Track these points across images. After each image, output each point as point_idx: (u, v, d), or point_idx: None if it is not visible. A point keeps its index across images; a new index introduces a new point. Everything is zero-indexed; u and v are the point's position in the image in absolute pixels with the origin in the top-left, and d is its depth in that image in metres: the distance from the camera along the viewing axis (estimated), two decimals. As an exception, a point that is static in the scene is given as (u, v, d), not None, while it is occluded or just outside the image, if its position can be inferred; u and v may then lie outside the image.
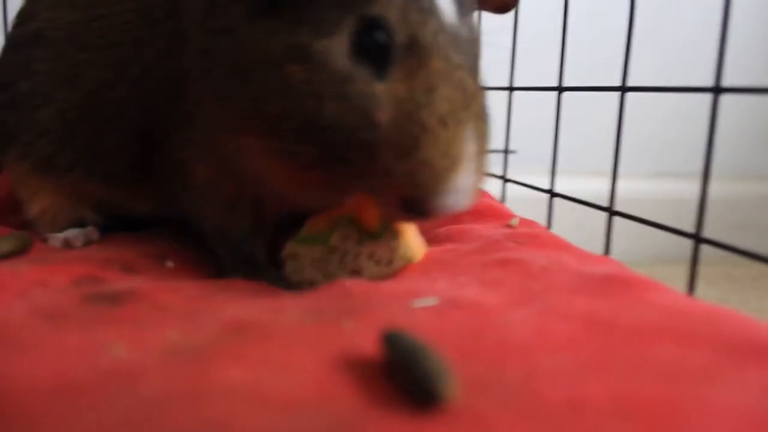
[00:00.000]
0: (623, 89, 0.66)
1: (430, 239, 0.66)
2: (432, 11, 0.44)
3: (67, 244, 0.62)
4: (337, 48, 0.44)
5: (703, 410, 0.29)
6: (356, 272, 0.52)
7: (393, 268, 0.52)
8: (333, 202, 0.52)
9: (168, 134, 0.57)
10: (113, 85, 0.58)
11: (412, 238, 0.54)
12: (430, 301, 0.43)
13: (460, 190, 0.44)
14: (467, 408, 0.30)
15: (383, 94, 0.44)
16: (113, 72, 0.58)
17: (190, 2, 0.53)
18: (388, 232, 0.52)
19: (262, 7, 0.47)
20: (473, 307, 0.42)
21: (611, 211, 0.68)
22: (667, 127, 1.48)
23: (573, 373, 0.33)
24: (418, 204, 0.44)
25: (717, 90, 0.53)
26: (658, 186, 1.45)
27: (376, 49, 0.44)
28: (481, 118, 0.46)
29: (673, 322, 0.39)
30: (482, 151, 0.46)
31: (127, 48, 0.57)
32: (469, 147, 0.44)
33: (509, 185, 0.98)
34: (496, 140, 1.05)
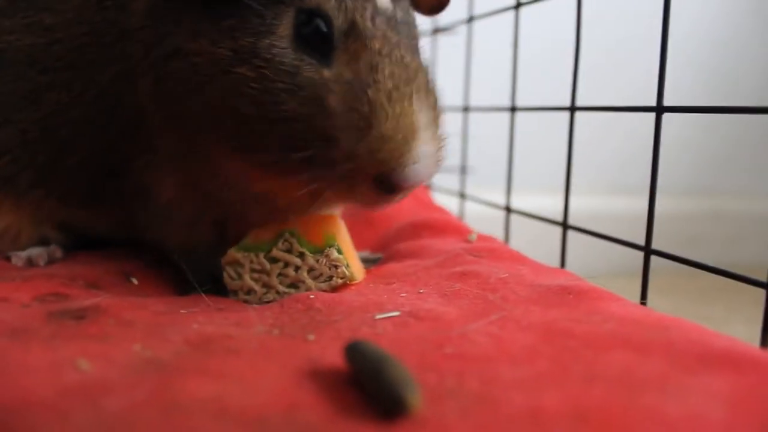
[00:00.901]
0: (572, 109, 0.69)
1: (392, 255, 0.67)
2: None
3: (30, 263, 0.62)
4: (280, 43, 0.46)
5: (655, 417, 0.30)
6: (295, 286, 0.53)
7: (332, 284, 0.53)
8: (305, 207, 0.53)
9: (127, 159, 0.57)
10: (71, 108, 0.58)
11: (353, 258, 0.56)
12: (392, 314, 0.44)
13: (422, 157, 0.46)
14: (430, 417, 0.30)
15: (331, 79, 0.46)
16: (71, 94, 0.58)
17: (136, 36, 0.53)
18: (330, 250, 0.53)
19: (201, 20, 0.48)
20: (434, 319, 0.43)
21: (565, 226, 0.70)
22: (622, 146, 1.52)
23: (531, 381, 0.34)
24: (387, 181, 0.46)
25: (659, 109, 0.55)
26: (612, 203, 1.49)
27: (317, 38, 0.46)
28: (427, 90, 0.48)
29: (627, 331, 0.40)
30: (436, 120, 0.48)
31: (84, 71, 0.58)
32: (421, 117, 0.46)
33: (467, 203, 1.00)
34: (453, 158, 1.07)
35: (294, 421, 0.30)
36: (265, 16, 0.46)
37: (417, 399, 0.30)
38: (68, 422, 0.30)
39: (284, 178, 0.48)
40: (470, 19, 0.96)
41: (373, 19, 0.47)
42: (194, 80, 0.48)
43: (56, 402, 0.31)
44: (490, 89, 1.00)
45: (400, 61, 0.47)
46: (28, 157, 0.61)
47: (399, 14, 0.49)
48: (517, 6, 0.81)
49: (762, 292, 0.47)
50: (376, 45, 0.47)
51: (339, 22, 0.47)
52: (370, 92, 0.45)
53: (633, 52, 1.42)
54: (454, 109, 1.01)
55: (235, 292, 0.54)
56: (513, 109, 0.82)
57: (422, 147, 0.46)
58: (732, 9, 1.58)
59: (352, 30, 0.47)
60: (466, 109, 0.98)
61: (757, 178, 1.65)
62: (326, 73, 0.46)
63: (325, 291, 0.52)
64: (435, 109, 0.49)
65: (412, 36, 0.51)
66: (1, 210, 0.64)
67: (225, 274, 0.54)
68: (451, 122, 1.08)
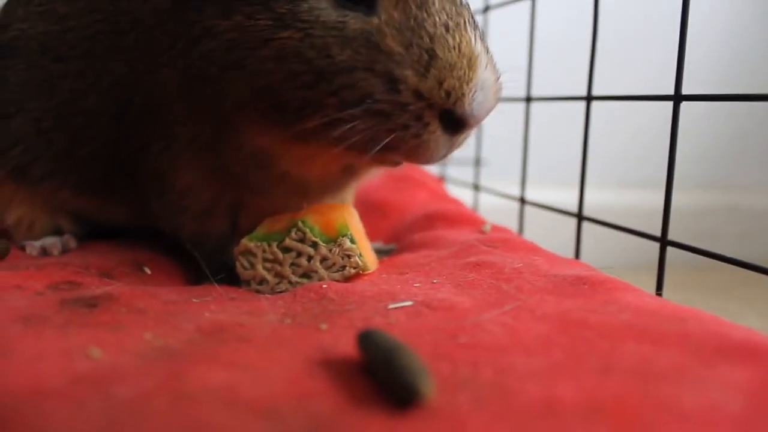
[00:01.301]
0: (588, 98, 0.68)
1: (406, 246, 0.67)
2: None
3: (45, 252, 0.62)
4: (319, 4, 0.46)
5: (671, 408, 0.30)
6: (307, 275, 0.53)
7: (344, 274, 0.53)
8: (335, 182, 0.54)
9: (143, 145, 0.57)
10: (86, 95, 0.58)
11: (366, 248, 0.55)
12: (405, 303, 0.43)
13: (486, 84, 0.46)
14: (443, 406, 0.30)
15: (381, 25, 0.45)
16: (86, 82, 0.58)
17: (159, 28, 0.53)
18: (342, 239, 0.53)
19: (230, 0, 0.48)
20: (447, 309, 0.42)
21: (580, 217, 0.69)
22: (636, 139, 1.50)
23: (545, 372, 0.34)
24: (455, 114, 0.46)
25: (678, 98, 0.54)
26: (626, 196, 1.48)
27: None
28: (474, 22, 0.49)
29: (643, 322, 0.39)
30: (488, 49, 0.49)
31: (98, 59, 0.57)
32: (478, 45, 0.47)
33: (481, 197, 0.99)
34: (468, 150, 1.07)
35: (305, 410, 0.30)
36: None
37: (430, 388, 0.30)
38: (79, 409, 0.30)
39: (336, 142, 0.47)
40: (486, 9, 0.95)
41: None
42: (231, 57, 0.48)
43: (67, 389, 0.31)
44: (505, 81, 0.99)
45: None
46: (42, 146, 0.61)
47: None
48: (533, -5, 0.80)
49: (777, 286, 0.47)
50: None
51: None
52: (427, 25, 0.45)
53: (648, 42, 1.41)
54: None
55: (247, 282, 0.54)
56: (528, 99, 0.81)
57: (485, 73, 0.46)
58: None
59: None
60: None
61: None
62: (375, 20, 0.46)
63: (337, 281, 0.52)
64: (484, 40, 0.49)
65: None
66: (15, 200, 0.64)
67: (238, 264, 0.54)
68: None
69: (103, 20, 0.57)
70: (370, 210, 0.77)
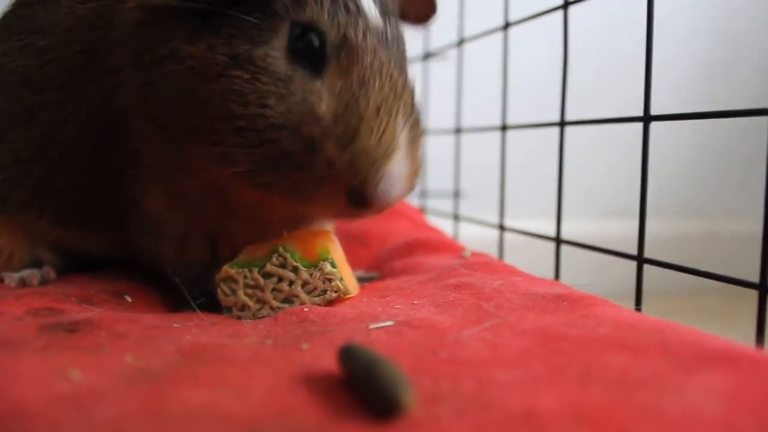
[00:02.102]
0: (562, 124, 0.69)
1: (387, 273, 0.67)
2: (358, 13, 0.49)
3: (24, 284, 0.61)
4: (275, 53, 0.47)
5: (652, 414, 0.30)
6: (289, 300, 0.53)
7: (326, 298, 0.53)
8: (290, 221, 0.55)
9: (117, 172, 0.57)
10: (64, 125, 0.59)
11: (347, 272, 0.56)
12: (386, 323, 0.44)
13: (396, 175, 0.47)
14: (424, 417, 0.30)
15: (322, 90, 0.47)
16: (64, 113, 0.59)
17: (121, 41, 0.54)
18: (323, 264, 0.53)
19: (197, 27, 0.49)
20: (428, 327, 0.43)
21: (558, 240, 0.70)
22: (614, 171, 1.53)
23: (526, 383, 0.34)
24: (359, 194, 0.47)
25: (647, 119, 0.56)
26: (605, 226, 1.49)
27: (310, 51, 0.48)
28: (412, 109, 0.50)
29: (622, 334, 0.40)
30: (416, 140, 0.50)
31: (77, 89, 0.58)
32: (402, 135, 0.48)
33: (461, 229, 1.00)
34: (447, 182, 1.08)
35: (287, 423, 0.30)
36: (261, 27, 0.48)
37: (411, 398, 0.30)
38: (58, 430, 0.29)
39: (264, 189, 0.49)
40: (461, 42, 0.97)
41: (364, 34, 0.48)
42: (188, 83, 0.49)
43: (46, 410, 0.31)
44: (481, 113, 1.01)
45: (389, 77, 0.48)
46: (21, 176, 0.61)
47: (389, 31, 0.51)
48: (506, 26, 0.82)
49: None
50: (367, 59, 0.48)
51: (332, 36, 0.48)
52: (359, 105, 0.46)
53: (623, 71, 1.44)
54: (445, 131, 1.02)
55: (229, 309, 0.54)
56: (504, 128, 0.83)
57: (397, 165, 0.47)
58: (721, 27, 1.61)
59: (344, 45, 0.48)
60: (458, 131, 0.98)
61: (750, 198, 1.65)
62: (317, 84, 0.47)
63: (319, 305, 0.52)
64: (417, 129, 0.50)
65: (401, 53, 0.52)
66: None
67: (219, 291, 0.54)
68: (443, 146, 1.09)
69: (84, 51, 0.58)
70: (350, 239, 0.77)
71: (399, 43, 0.52)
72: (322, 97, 0.47)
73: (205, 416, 0.31)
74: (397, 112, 0.48)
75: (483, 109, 1.02)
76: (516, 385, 0.33)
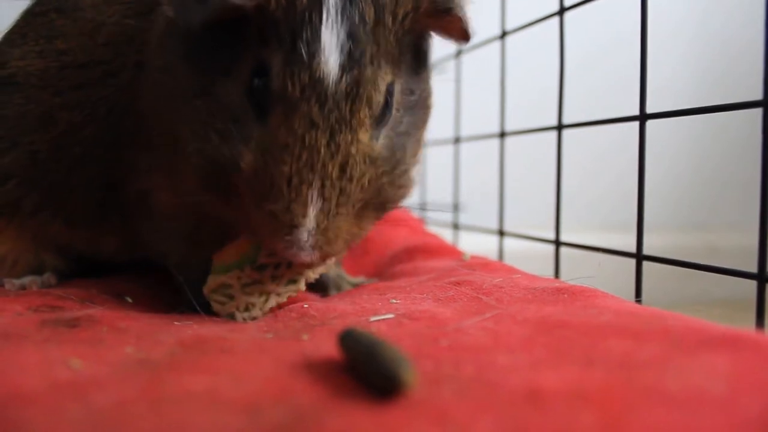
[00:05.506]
0: (559, 127, 0.70)
1: (387, 278, 0.67)
2: (308, 64, 0.44)
3: (24, 289, 0.62)
4: (235, 88, 0.46)
5: (655, 393, 0.30)
6: (293, 280, 0.52)
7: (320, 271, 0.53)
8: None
9: (132, 166, 0.58)
10: (83, 126, 0.60)
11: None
12: (386, 316, 0.44)
13: (301, 245, 0.45)
14: (425, 397, 0.30)
15: (256, 141, 0.45)
16: (83, 113, 0.60)
17: (149, 38, 0.56)
18: None
19: (193, 47, 0.49)
20: (429, 318, 0.43)
21: (557, 243, 0.70)
22: (617, 185, 1.53)
23: (528, 366, 0.34)
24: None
25: (643, 117, 0.56)
26: (605, 240, 1.49)
27: (263, 92, 0.45)
28: (337, 178, 0.45)
29: (624, 321, 0.40)
30: (334, 210, 0.45)
31: (96, 88, 0.60)
32: (313, 206, 0.44)
33: (460, 239, 1.00)
34: (446, 195, 1.08)
35: (286, 404, 0.30)
36: (227, 60, 0.47)
37: (412, 376, 0.30)
38: (58, 416, 0.29)
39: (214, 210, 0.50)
40: (458, 53, 0.98)
41: (303, 90, 0.44)
42: (169, 98, 0.50)
43: (47, 396, 0.31)
44: (479, 126, 1.01)
45: (314, 144, 0.44)
46: (36, 178, 0.62)
47: (344, 83, 0.45)
48: (503, 35, 0.83)
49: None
50: (296, 122, 0.44)
51: (275, 83, 0.44)
52: (276, 168, 0.44)
53: (622, 77, 1.45)
54: (445, 141, 1.03)
55: (231, 315, 0.52)
56: (502, 135, 0.83)
57: (302, 235, 0.44)
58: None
59: (283, 96, 0.44)
60: (457, 140, 0.99)
61: (749, 212, 1.66)
62: (256, 132, 0.45)
63: (321, 275, 0.52)
64: (337, 198, 0.45)
65: (354, 109, 0.45)
66: (2, 236, 0.64)
67: (213, 303, 0.52)
68: (442, 157, 1.10)
69: (106, 43, 0.60)
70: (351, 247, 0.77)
71: (354, 97, 0.45)
72: (251, 149, 0.45)
73: (204, 401, 0.31)
74: (312, 183, 0.44)
75: (481, 121, 1.03)
76: (518, 368, 0.33)
